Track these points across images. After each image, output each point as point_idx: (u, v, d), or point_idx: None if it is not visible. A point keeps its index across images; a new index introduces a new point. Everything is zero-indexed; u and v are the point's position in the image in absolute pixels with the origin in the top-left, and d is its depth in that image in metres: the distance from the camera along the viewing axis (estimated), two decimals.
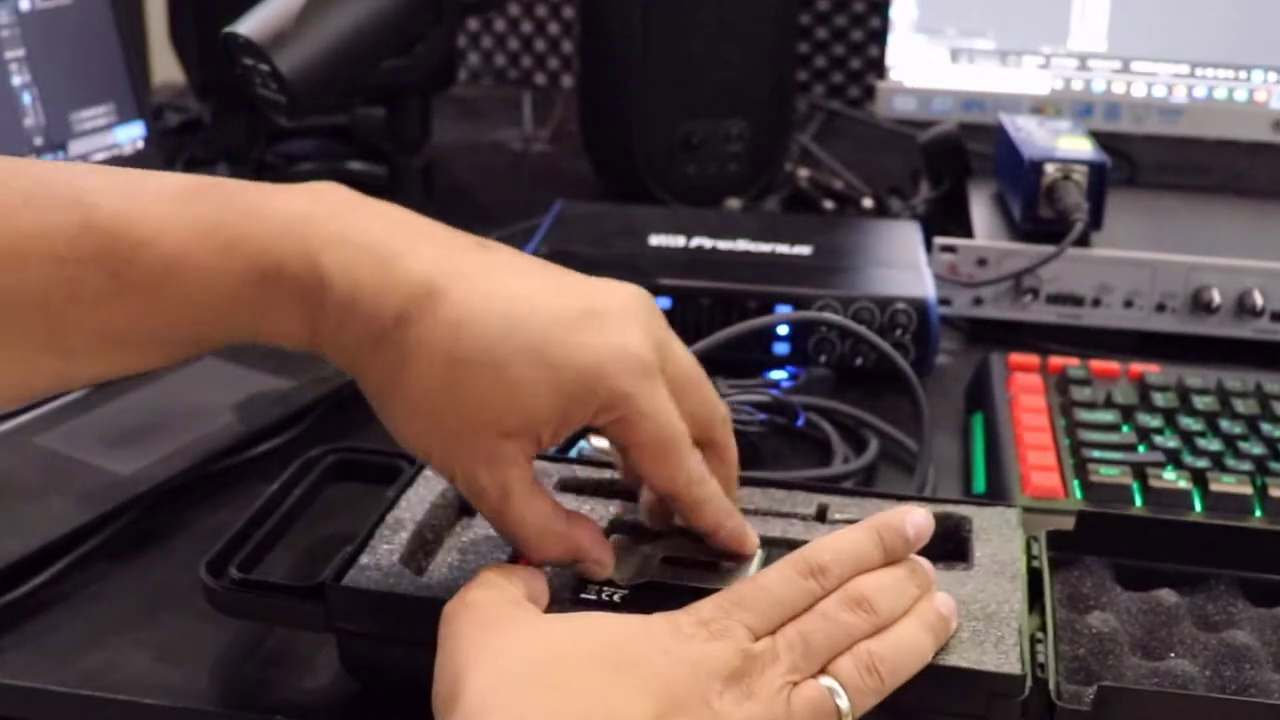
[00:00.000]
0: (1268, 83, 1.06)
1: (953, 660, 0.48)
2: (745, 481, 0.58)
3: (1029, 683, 0.48)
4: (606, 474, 0.60)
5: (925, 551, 0.53)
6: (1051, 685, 0.49)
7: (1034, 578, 0.54)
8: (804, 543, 0.55)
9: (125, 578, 0.62)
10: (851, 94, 1.44)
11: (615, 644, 0.43)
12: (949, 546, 0.56)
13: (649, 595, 0.50)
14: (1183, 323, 0.89)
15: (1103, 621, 0.53)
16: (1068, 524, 0.58)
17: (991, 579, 0.53)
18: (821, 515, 0.58)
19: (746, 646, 0.44)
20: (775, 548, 0.54)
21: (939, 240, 0.91)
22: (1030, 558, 0.56)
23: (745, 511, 0.57)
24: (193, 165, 1.11)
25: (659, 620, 0.45)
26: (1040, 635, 0.51)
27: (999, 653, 0.49)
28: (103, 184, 0.45)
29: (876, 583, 0.48)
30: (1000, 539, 0.56)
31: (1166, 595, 0.55)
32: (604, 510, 0.57)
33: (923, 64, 1.10)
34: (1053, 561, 0.57)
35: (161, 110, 1.23)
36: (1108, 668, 0.52)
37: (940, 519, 0.57)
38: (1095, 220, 0.90)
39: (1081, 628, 0.53)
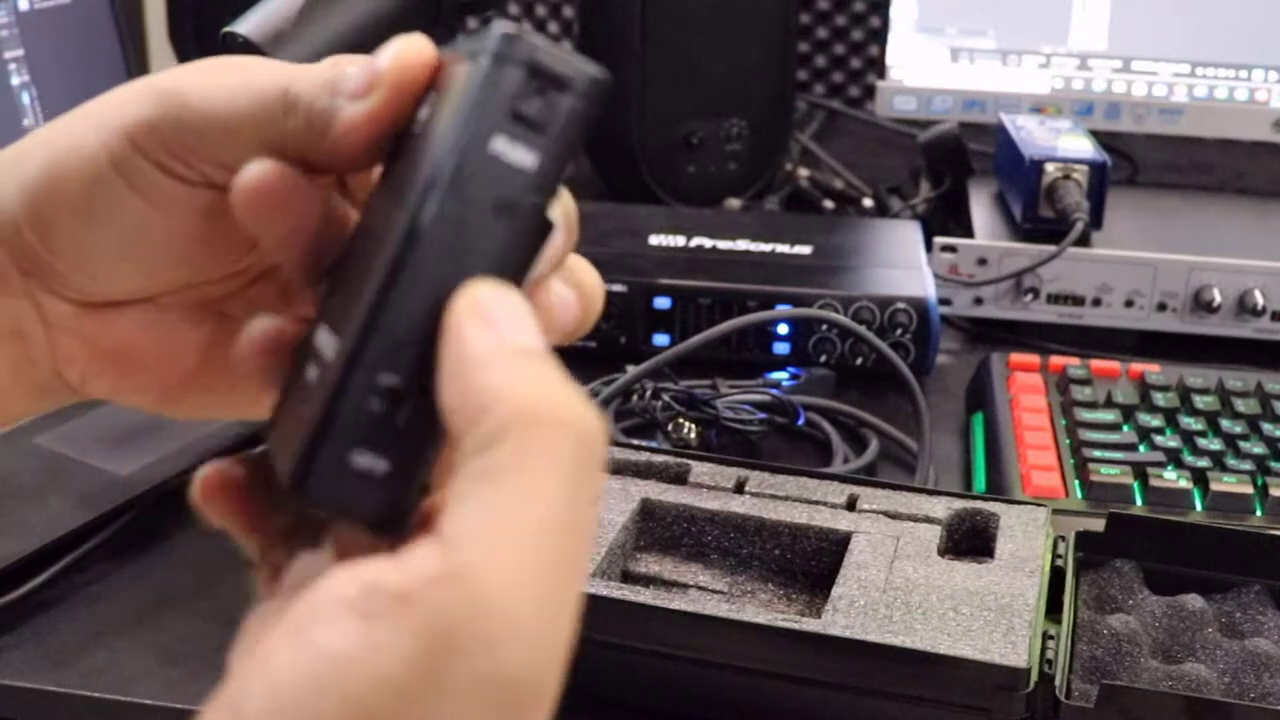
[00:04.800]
0: (1268, 82, 1.06)
1: (960, 650, 0.48)
2: (781, 471, 0.60)
3: (1034, 677, 0.48)
4: (643, 456, 0.62)
5: (951, 545, 0.54)
6: (1059, 682, 0.49)
7: (1059, 577, 0.55)
8: (831, 530, 0.57)
9: (125, 578, 0.62)
10: (852, 93, 1.44)
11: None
12: (974, 541, 0.57)
13: None
14: (1183, 322, 0.89)
15: (1124, 623, 0.53)
16: (1069, 524, 0.58)
17: (1010, 574, 0.53)
18: (852, 505, 0.58)
19: None
20: None
21: (939, 240, 0.91)
22: (1055, 557, 0.56)
23: (776, 499, 0.59)
24: None
25: None
26: (1053, 632, 0.51)
27: (1006, 644, 0.49)
28: None
29: None
30: (1025, 536, 0.56)
31: (1192, 600, 0.55)
32: (635, 488, 0.59)
33: (923, 63, 1.10)
34: (1083, 562, 0.57)
35: None
36: (1124, 668, 0.52)
37: (968, 514, 0.57)
38: (1096, 220, 0.90)
39: (1103, 628, 0.53)
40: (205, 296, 0.39)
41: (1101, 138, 0.98)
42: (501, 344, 0.28)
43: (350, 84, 0.32)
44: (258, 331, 0.34)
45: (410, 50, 0.32)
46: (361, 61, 0.33)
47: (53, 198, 0.35)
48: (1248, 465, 0.69)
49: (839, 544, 0.56)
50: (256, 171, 0.33)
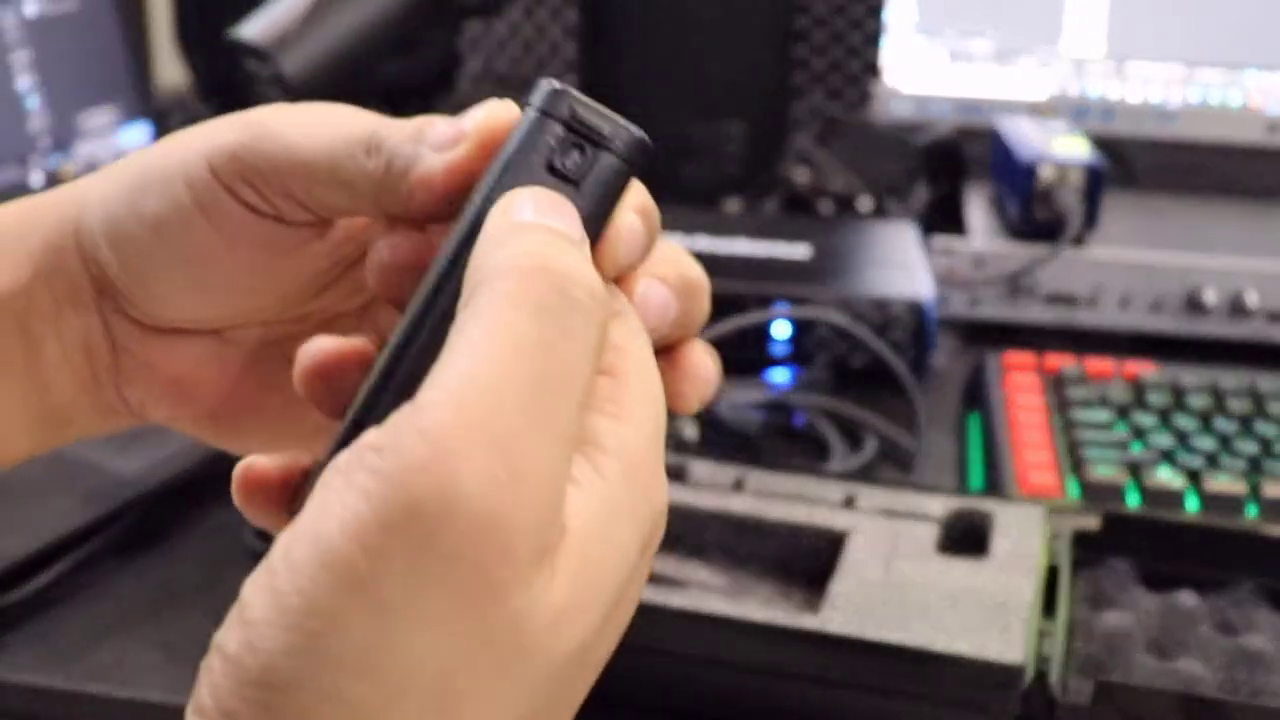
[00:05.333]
0: (1262, 87, 1.07)
1: (956, 647, 0.49)
2: (779, 469, 0.61)
3: (1029, 674, 0.49)
4: None
5: (947, 544, 0.55)
6: (1055, 679, 0.49)
7: (1054, 575, 0.55)
8: (829, 528, 0.57)
9: (129, 576, 0.63)
10: (850, 97, 1.45)
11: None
12: (971, 539, 0.58)
13: None
14: (1177, 323, 0.90)
15: (1118, 620, 0.54)
16: (1065, 522, 0.59)
17: (1006, 571, 0.54)
18: (849, 503, 0.59)
19: None
20: None
21: (936, 241, 0.91)
22: (1051, 555, 0.56)
23: (774, 497, 0.59)
24: None
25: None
26: (1049, 630, 0.52)
27: (1003, 642, 0.49)
28: None
29: None
30: (1021, 535, 0.57)
31: (1186, 598, 0.56)
32: None
33: (921, 67, 1.11)
34: (1078, 561, 0.57)
35: (166, 112, 1.24)
36: (1118, 665, 0.52)
37: (965, 513, 0.58)
38: (1091, 222, 0.91)
39: (1097, 626, 0.54)
40: (271, 336, 0.39)
41: (1097, 140, 0.98)
42: (508, 222, 0.29)
43: (436, 135, 0.32)
44: (315, 350, 0.33)
45: (497, 110, 0.32)
46: (452, 119, 0.33)
47: (131, 214, 0.36)
48: (1241, 464, 0.69)
49: (836, 542, 0.57)
50: (396, 241, 0.33)
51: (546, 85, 0.30)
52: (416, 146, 0.33)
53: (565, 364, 0.27)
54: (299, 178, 0.34)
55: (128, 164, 0.37)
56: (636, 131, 0.30)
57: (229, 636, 0.26)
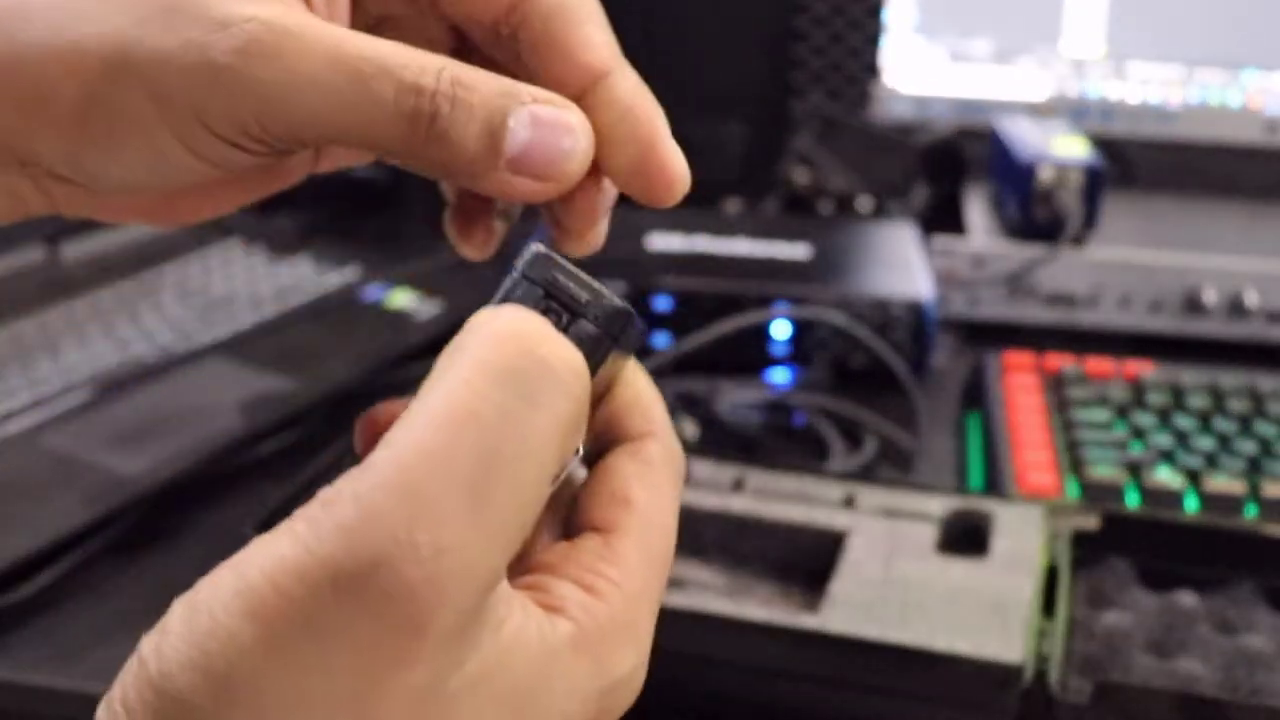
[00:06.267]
0: (1262, 87, 1.07)
1: (956, 646, 0.49)
2: (779, 469, 0.62)
3: (1029, 674, 0.49)
4: None
5: (946, 544, 0.55)
6: (1054, 679, 0.49)
7: (1053, 574, 0.55)
8: (828, 527, 0.57)
9: (130, 575, 0.63)
10: (850, 96, 1.45)
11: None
12: (970, 539, 0.58)
13: None
14: (1177, 323, 0.90)
15: (1117, 620, 0.54)
16: (1064, 522, 0.59)
17: (1005, 571, 0.54)
18: (849, 503, 0.59)
19: None
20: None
21: (936, 241, 0.91)
22: (1050, 554, 0.56)
23: (774, 497, 0.59)
24: None
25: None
26: (1048, 629, 0.52)
27: (1002, 642, 0.49)
28: None
29: None
30: (1021, 534, 0.57)
31: (1185, 597, 0.56)
32: None
33: (920, 67, 1.11)
34: (1078, 560, 0.57)
35: None
36: (1118, 665, 0.52)
37: (964, 512, 0.58)
38: (1090, 222, 0.91)
39: (1097, 625, 0.54)
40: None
41: (1096, 140, 0.98)
42: (483, 315, 0.29)
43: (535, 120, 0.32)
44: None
45: (582, 155, 0.33)
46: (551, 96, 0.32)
47: (86, 144, 0.32)
48: (1240, 464, 0.69)
49: (836, 541, 0.57)
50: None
51: (532, 249, 0.30)
52: (498, 152, 0.31)
53: (524, 438, 0.26)
54: (307, 131, 0.31)
55: (80, 90, 0.31)
56: (618, 303, 0.30)
57: (147, 639, 0.27)
